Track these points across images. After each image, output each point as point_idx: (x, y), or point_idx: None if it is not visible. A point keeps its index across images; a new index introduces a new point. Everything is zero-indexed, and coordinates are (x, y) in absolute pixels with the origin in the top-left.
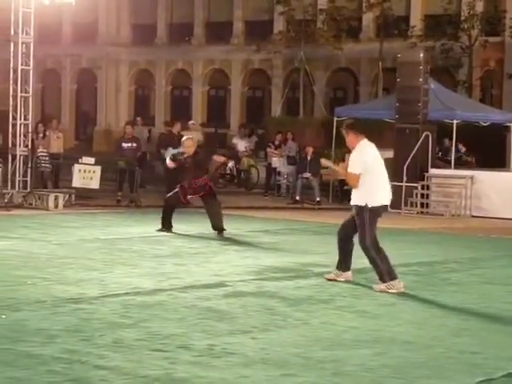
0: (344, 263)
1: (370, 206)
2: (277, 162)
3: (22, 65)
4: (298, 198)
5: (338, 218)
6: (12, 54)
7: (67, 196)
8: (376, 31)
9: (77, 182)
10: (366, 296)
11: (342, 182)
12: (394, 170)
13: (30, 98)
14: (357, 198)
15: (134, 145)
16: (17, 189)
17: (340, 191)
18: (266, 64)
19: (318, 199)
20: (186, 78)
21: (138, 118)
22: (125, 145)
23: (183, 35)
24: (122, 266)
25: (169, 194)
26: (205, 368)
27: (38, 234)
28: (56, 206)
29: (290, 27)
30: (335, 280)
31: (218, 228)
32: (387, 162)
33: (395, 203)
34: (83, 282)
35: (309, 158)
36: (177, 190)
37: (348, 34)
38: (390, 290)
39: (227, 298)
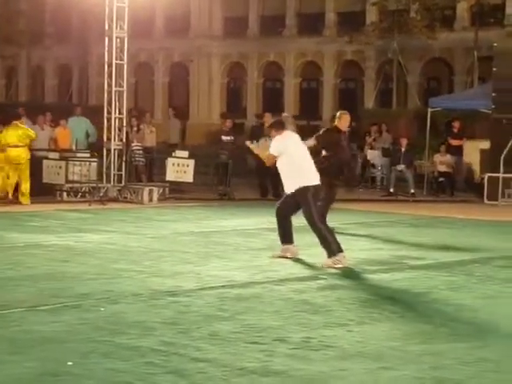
0: (286, 237)
1: (305, 186)
2: (371, 154)
3: (116, 59)
4: (392, 190)
5: (433, 211)
6: (106, 49)
7: (161, 190)
8: (471, 20)
9: (170, 175)
10: (463, 289)
11: (439, 174)
12: (490, 161)
13: (125, 93)
14: (292, 185)
15: (233, 138)
16: (112, 183)
17: (435, 183)
18: (358, 55)
19: (412, 191)
20: (278, 70)
21: (170, 109)
22: (225, 138)
23: (275, 27)
24: (216, 259)
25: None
26: (302, 361)
27: (133, 227)
28: (150, 200)
29: (383, 18)
30: (284, 257)
31: None
32: (483, 152)
33: (492, 195)
34: (179, 275)
35: (403, 149)
36: None
37: (442, 23)
38: (336, 265)
39: (322, 290)
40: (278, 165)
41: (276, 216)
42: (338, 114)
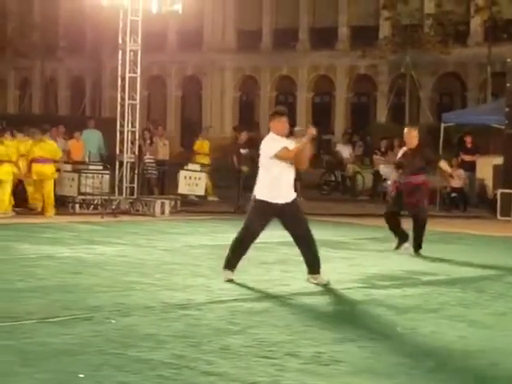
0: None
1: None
2: (384, 168)
3: (129, 72)
4: None
5: (446, 226)
6: (120, 62)
7: (173, 202)
8: (484, 35)
9: (182, 188)
10: (476, 305)
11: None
12: (503, 176)
13: (138, 106)
14: (293, 193)
15: (248, 151)
16: (124, 195)
17: (448, 198)
18: (371, 70)
19: None
20: (291, 83)
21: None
22: (243, 151)
23: (288, 41)
24: None
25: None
26: (312, 376)
27: (145, 240)
28: (162, 213)
29: (396, 32)
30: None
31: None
32: (496, 168)
33: (505, 211)
34: (190, 288)
35: None
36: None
37: (455, 38)
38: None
39: (334, 305)
40: (289, 170)
41: (252, 239)
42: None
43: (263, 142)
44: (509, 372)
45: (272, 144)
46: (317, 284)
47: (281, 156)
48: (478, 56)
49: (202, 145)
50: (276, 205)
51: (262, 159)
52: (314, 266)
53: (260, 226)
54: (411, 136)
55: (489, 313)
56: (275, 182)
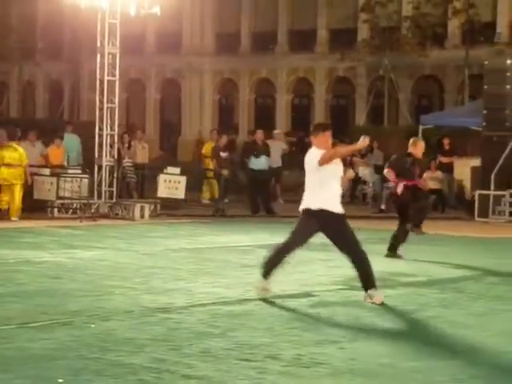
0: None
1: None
2: (363, 170)
3: (108, 75)
4: (383, 207)
5: (424, 228)
6: (98, 65)
7: (152, 206)
8: (462, 38)
9: (162, 192)
10: (455, 306)
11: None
12: (481, 178)
13: (116, 109)
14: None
15: (228, 154)
16: (103, 199)
17: None
18: (350, 72)
19: None
20: (270, 86)
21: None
22: (223, 154)
23: (267, 44)
24: (208, 276)
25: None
26: (293, 378)
27: (124, 243)
28: (142, 216)
29: (374, 35)
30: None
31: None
32: (474, 170)
33: (483, 212)
34: (170, 292)
35: None
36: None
37: (433, 41)
38: (261, 292)
39: (314, 307)
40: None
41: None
42: (411, 140)
43: (307, 155)
44: (486, 371)
45: (314, 154)
46: (372, 303)
47: (322, 159)
48: (456, 58)
49: (209, 148)
50: (338, 214)
51: (309, 170)
52: (366, 281)
53: (307, 236)
54: (420, 148)
55: (468, 313)
56: (329, 192)
